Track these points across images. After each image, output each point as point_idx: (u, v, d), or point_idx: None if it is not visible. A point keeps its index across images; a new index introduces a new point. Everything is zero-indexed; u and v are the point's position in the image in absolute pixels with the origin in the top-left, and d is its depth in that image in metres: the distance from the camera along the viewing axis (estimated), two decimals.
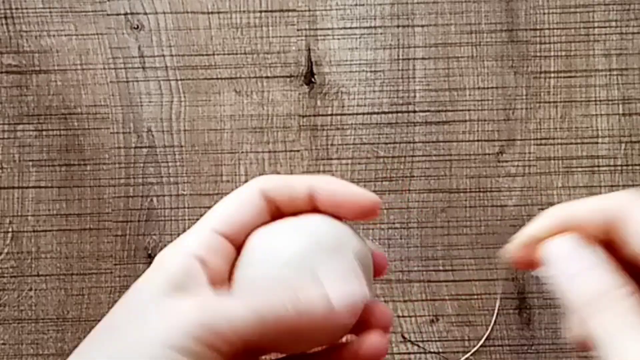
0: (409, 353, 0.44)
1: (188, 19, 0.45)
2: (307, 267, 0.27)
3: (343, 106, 0.45)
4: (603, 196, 0.26)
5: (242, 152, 0.45)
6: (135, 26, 0.45)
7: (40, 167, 0.45)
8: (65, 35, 0.45)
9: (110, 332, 0.28)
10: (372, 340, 0.28)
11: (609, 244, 0.26)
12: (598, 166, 0.45)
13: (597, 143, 0.45)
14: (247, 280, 0.28)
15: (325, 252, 0.28)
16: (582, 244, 0.26)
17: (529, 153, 0.45)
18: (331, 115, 0.45)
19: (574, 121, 0.45)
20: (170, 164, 0.45)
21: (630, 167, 0.45)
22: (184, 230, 0.47)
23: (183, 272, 0.27)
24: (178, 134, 0.45)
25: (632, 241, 0.24)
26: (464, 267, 0.45)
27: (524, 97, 0.45)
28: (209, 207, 0.47)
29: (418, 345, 0.44)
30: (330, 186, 0.29)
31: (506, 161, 0.45)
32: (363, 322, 0.28)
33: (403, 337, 0.44)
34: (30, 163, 0.45)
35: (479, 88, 0.45)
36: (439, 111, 0.45)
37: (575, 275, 0.25)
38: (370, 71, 0.45)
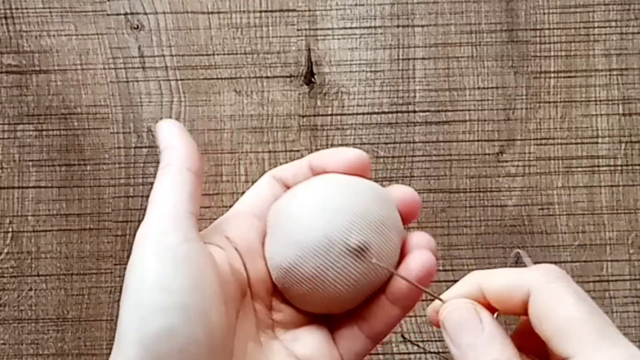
0: (409, 353, 0.44)
1: (188, 19, 0.45)
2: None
3: (343, 106, 0.45)
4: (516, 272, 0.25)
5: (242, 152, 0.45)
6: (135, 26, 0.45)
7: (40, 167, 0.45)
8: (65, 35, 0.45)
9: None
10: (417, 256, 0.29)
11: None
12: (598, 166, 0.45)
13: (597, 143, 0.45)
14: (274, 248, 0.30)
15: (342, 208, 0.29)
16: (475, 311, 0.25)
17: (529, 153, 0.45)
18: (331, 115, 0.45)
19: (574, 121, 0.45)
20: None
21: (630, 167, 0.45)
22: None
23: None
24: None
25: (535, 323, 0.24)
26: (464, 267, 0.45)
27: (524, 97, 0.45)
28: (209, 207, 0.47)
29: (418, 345, 0.44)
30: (321, 153, 0.31)
31: (506, 161, 0.45)
32: (405, 253, 0.29)
33: (403, 337, 0.44)
34: (30, 163, 0.45)
35: (479, 88, 0.45)
36: (439, 111, 0.45)
37: (467, 346, 0.25)
38: (370, 71, 0.45)
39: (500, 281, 0.26)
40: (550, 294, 0.24)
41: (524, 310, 0.25)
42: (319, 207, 0.29)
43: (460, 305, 0.26)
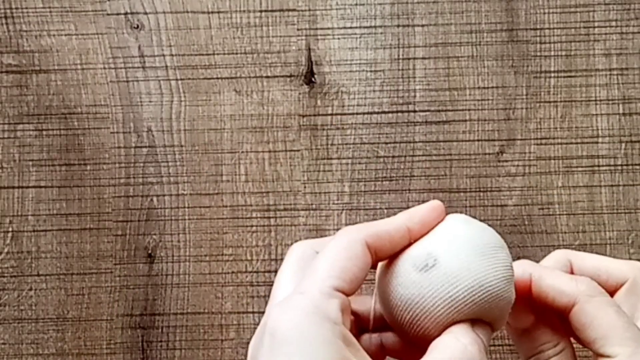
0: None
1: (188, 19, 0.45)
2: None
3: (343, 106, 0.45)
4: (565, 280, 0.32)
5: (242, 152, 0.45)
6: (136, 26, 0.45)
7: (40, 166, 0.45)
8: (65, 35, 0.45)
9: None
10: None
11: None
12: (598, 166, 0.45)
13: (597, 143, 0.45)
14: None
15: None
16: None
17: (529, 153, 0.45)
18: (331, 115, 0.45)
19: (574, 121, 0.45)
20: (170, 163, 0.45)
21: (630, 167, 0.45)
22: (184, 230, 0.47)
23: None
24: (178, 134, 0.45)
25: (579, 328, 0.31)
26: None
27: (524, 96, 0.45)
28: (209, 207, 0.47)
29: None
30: (419, 216, 0.31)
31: (506, 161, 0.45)
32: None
33: None
34: (30, 163, 0.45)
35: (479, 88, 0.45)
36: (439, 111, 0.45)
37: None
38: (371, 71, 0.45)
39: (551, 282, 0.31)
40: (595, 305, 0.30)
41: (564, 313, 0.31)
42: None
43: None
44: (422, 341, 0.29)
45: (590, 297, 0.30)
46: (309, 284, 0.28)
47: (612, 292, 0.32)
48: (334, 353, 0.26)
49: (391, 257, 0.31)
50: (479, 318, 0.29)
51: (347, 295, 0.28)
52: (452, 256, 0.28)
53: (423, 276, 0.29)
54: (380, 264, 0.31)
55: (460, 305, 0.28)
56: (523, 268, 0.32)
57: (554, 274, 0.32)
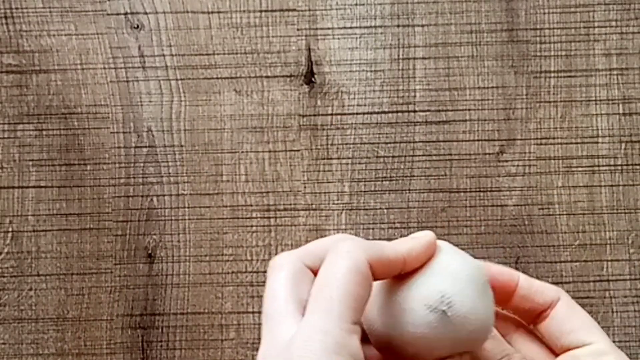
0: None
1: (188, 19, 0.45)
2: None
3: (343, 106, 0.45)
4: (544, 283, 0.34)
5: (242, 152, 0.45)
6: (135, 26, 0.45)
7: (40, 166, 0.45)
8: (65, 34, 0.45)
9: None
10: None
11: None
12: (598, 166, 0.45)
13: (597, 143, 0.45)
14: None
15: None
16: None
17: (529, 153, 0.45)
18: (331, 115, 0.45)
19: (574, 121, 0.45)
20: (170, 163, 0.45)
21: (630, 167, 0.45)
22: (184, 230, 0.47)
23: None
24: (178, 134, 0.45)
25: (558, 323, 0.33)
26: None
27: (524, 96, 0.45)
28: (209, 207, 0.47)
29: None
30: (417, 250, 0.32)
31: (506, 161, 0.45)
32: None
33: None
34: (30, 163, 0.45)
35: (479, 88, 0.45)
36: (439, 111, 0.45)
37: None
38: (371, 71, 0.45)
39: (535, 282, 0.34)
40: (572, 302, 0.34)
41: (537, 312, 0.33)
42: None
43: None
44: None
45: (569, 298, 0.34)
46: (329, 320, 0.28)
47: (542, 311, 0.34)
48: None
49: (386, 285, 0.32)
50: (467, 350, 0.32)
51: (359, 320, 0.29)
52: (463, 298, 0.30)
53: (436, 317, 0.30)
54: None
55: (464, 343, 0.31)
56: (510, 273, 0.34)
57: (535, 280, 0.34)
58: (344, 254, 0.29)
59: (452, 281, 0.31)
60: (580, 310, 0.33)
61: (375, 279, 0.30)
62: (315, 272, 0.30)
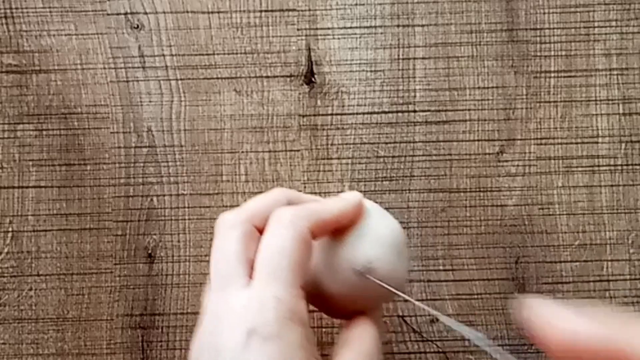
0: (409, 353, 0.44)
1: (188, 19, 0.45)
2: None
3: (343, 106, 0.45)
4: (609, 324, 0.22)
5: (242, 152, 0.45)
6: (136, 26, 0.45)
7: (40, 166, 0.45)
8: (65, 34, 0.45)
9: None
10: None
11: None
12: (598, 166, 0.45)
13: (597, 143, 0.45)
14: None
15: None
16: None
17: (529, 153, 0.45)
18: (331, 114, 0.45)
19: (574, 121, 0.45)
20: (170, 163, 0.45)
21: (630, 167, 0.45)
22: (184, 230, 0.47)
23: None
24: (178, 134, 0.45)
25: None
26: (464, 267, 0.45)
27: (524, 96, 0.45)
28: (209, 207, 0.47)
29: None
30: (350, 214, 0.35)
31: (506, 161, 0.45)
32: None
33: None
34: (30, 163, 0.45)
35: (479, 88, 0.45)
36: (439, 111, 0.45)
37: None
38: (371, 71, 0.45)
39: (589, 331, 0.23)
40: None
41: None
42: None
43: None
44: (336, 313, 0.37)
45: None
46: (281, 288, 0.30)
47: None
48: (306, 354, 0.29)
49: (318, 244, 0.35)
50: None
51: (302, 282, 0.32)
52: (384, 263, 0.34)
53: (359, 279, 0.34)
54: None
55: (381, 299, 0.36)
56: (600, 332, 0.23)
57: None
58: (287, 224, 0.32)
59: (376, 246, 0.35)
60: None
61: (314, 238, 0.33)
62: (260, 231, 0.33)
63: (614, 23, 0.45)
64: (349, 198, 0.35)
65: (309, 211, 0.33)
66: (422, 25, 0.45)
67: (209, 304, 0.32)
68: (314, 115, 0.45)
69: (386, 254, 0.35)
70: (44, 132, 0.45)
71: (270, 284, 0.30)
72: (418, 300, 0.44)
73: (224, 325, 0.30)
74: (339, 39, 0.45)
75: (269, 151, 0.45)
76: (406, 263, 0.37)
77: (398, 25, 0.45)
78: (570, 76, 0.45)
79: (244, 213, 0.33)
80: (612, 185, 0.45)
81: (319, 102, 0.45)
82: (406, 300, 0.38)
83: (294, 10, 0.45)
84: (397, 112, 0.45)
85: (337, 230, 0.35)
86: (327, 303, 0.36)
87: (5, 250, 0.45)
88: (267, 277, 0.31)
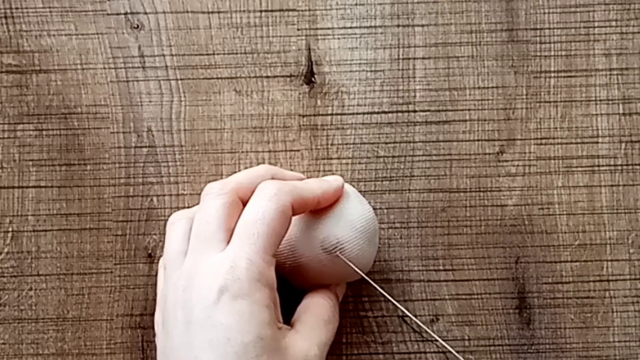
0: (409, 353, 0.44)
1: (188, 19, 0.45)
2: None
3: (343, 106, 0.45)
4: None
5: (242, 152, 0.45)
6: (136, 26, 0.45)
7: (40, 166, 0.45)
8: (65, 34, 0.45)
9: None
10: None
11: None
12: (598, 166, 0.45)
13: (597, 143, 0.45)
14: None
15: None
16: None
17: (529, 153, 0.45)
18: (331, 114, 0.45)
19: (574, 121, 0.45)
20: (170, 163, 0.45)
21: (630, 167, 0.45)
22: None
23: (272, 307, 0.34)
24: (178, 134, 0.45)
25: None
26: (464, 267, 0.45)
27: (524, 96, 0.45)
28: None
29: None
30: (330, 195, 0.39)
31: (506, 161, 0.45)
32: None
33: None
34: (30, 163, 0.45)
35: (479, 88, 0.45)
36: (439, 111, 0.45)
37: None
38: (371, 71, 0.45)
39: None
40: None
41: None
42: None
43: None
44: (302, 284, 0.40)
45: None
46: (253, 252, 0.33)
47: None
48: (270, 315, 0.32)
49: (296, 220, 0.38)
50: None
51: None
52: (353, 246, 0.37)
53: (328, 258, 0.37)
54: None
55: (347, 277, 0.39)
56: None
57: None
58: (271, 196, 0.34)
59: (348, 230, 0.37)
60: None
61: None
62: (244, 203, 0.35)
63: (614, 23, 0.45)
64: (332, 181, 0.38)
65: (293, 188, 0.35)
66: (422, 25, 0.45)
67: (185, 261, 0.34)
68: (314, 115, 0.45)
69: (356, 238, 0.37)
70: (44, 132, 0.45)
71: (244, 247, 0.33)
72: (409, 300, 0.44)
73: (197, 283, 0.33)
74: (339, 39, 0.45)
75: (269, 151, 0.45)
76: (374, 249, 0.39)
77: (398, 25, 0.45)
78: (570, 76, 0.45)
79: (230, 184, 0.35)
80: (612, 185, 0.45)
81: (319, 102, 0.45)
82: (367, 283, 0.40)
83: (294, 10, 0.45)
84: (397, 112, 0.45)
85: (314, 211, 0.38)
86: (296, 274, 0.39)
87: (5, 250, 0.45)
88: (243, 241, 0.33)
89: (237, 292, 0.32)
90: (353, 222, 0.38)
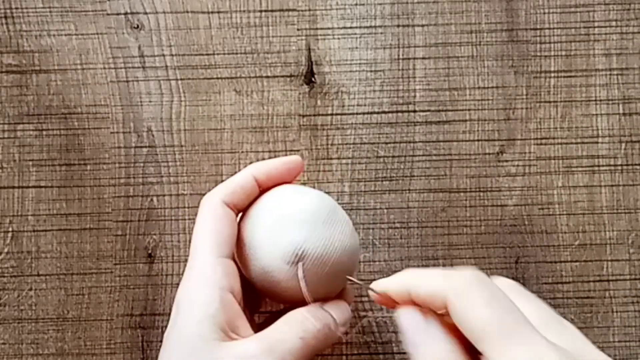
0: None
1: (188, 19, 0.45)
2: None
3: (343, 106, 0.45)
4: (438, 279, 0.29)
5: (242, 152, 0.45)
6: (136, 26, 0.45)
7: (40, 166, 0.45)
8: (66, 34, 0.45)
9: None
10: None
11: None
12: (598, 166, 0.45)
13: (597, 143, 0.45)
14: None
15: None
16: (422, 318, 0.30)
17: (529, 153, 0.45)
18: (331, 114, 0.45)
19: (574, 121, 0.45)
20: (170, 163, 0.45)
21: (630, 167, 0.45)
22: (184, 230, 0.47)
23: (222, 310, 0.33)
24: (178, 134, 0.45)
25: (458, 323, 0.28)
26: (464, 267, 0.45)
27: (524, 96, 0.45)
28: None
29: None
30: (265, 168, 0.37)
31: (506, 161, 0.45)
32: None
33: None
34: (30, 163, 0.45)
35: (479, 88, 0.45)
36: (439, 111, 0.45)
37: (419, 346, 0.29)
38: (371, 71, 0.45)
39: (424, 289, 0.30)
40: (465, 298, 0.27)
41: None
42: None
43: (410, 310, 0.31)
44: (278, 302, 0.38)
45: (460, 290, 0.28)
46: (195, 256, 0.34)
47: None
48: (204, 312, 0.32)
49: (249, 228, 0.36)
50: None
51: (230, 254, 0.34)
52: (314, 241, 0.33)
53: (292, 268, 0.33)
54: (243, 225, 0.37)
55: (335, 275, 0.35)
56: (401, 283, 0.31)
57: (429, 276, 0.30)
58: (201, 208, 0.36)
59: (299, 228, 0.34)
60: (471, 314, 0.27)
61: (241, 208, 0.36)
62: (239, 210, 0.37)
63: (614, 23, 0.45)
64: (271, 160, 0.38)
65: (220, 186, 0.36)
66: (422, 25, 0.45)
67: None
68: (314, 115, 0.45)
69: (313, 231, 0.33)
70: (44, 132, 0.45)
71: (191, 256, 0.35)
72: None
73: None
74: (339, 39, 0.45)
75: (269, 151, 0.45)
76: (343, 230, 0.35)
77: (398, 25, 0.45)
78: (570, 76, 0.45)
79: (216, 196, 0.36)
80: (612, 185, 0.45)
81: (319, 102, 0.45)
82: (352, 283, 0.36)
83: (294, 10, 0.45)
84: (397, 112, 0.45)
85: (257, 218, 0.36)
86: (275, 295, 0.36)
87: (5, 250, 0.45)
88: (190, 252, 0.35)
89: (180, 298, 0.33)
90: (302, 218, 0.34)
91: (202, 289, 0.33)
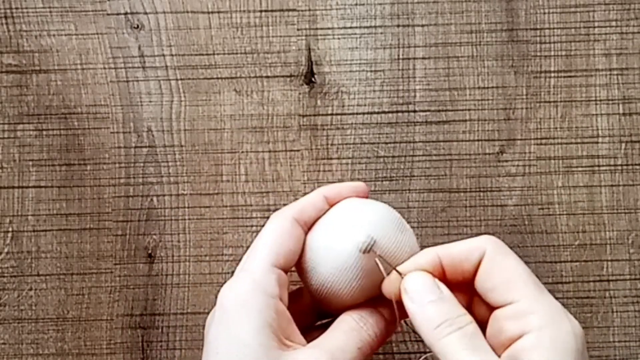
0: (409, 353, 0.44)
1: (188, 19, 0.45)
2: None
3: (343, 106, 0.45)
4: (470, 240, 0.33)
5: (242, 152, 0.45)
6: (136, 26, 0.45)
7: (40, 166, 0.45)
8: (65, 34, 0.45)
9: None
10: None
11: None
12: (598, 166, 0.45)
13: (597, 143, 0.45)
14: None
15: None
16: (431, 280, 0.32)
17: (529, 153, 0.45)
18: (331, 115, 0.45)
19: (574, 121, 0.45)
20: (170, 163, 0.45)
21: (630, 167, 0.45)
22: (184, 230, 0.47)
23: (278, 318, 0.32)
24: (178, 134, 0.45)
25: (483, 279, 0.32)
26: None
27: (524, 96, 0.45)
28: (209, 207, 0.47)
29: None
30: (335, 188, 0.37)
31: (506, 161, 0.45)
32: None
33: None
34: (30, 163, 0.45)
35: (479, 88, 0.45)
36: (439, 111, 0.45)
37: (425, 305, 0.31)
38: (371, 71, 0.45)
39: (457, 248, 0.33)
40: (500, 253, 0.32)
41: (472, 274, 0.32)
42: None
43: (419, 273, 0.33)
44: (336, 309, 0.35)
45: (496, 247, 0.32)
46: (250, 262, 0.34)
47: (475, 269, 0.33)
48: (263, 320, 0.31)
49: (320, 231, 0.36)
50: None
51: (286, 268, 0.34)
52: (386, 248, 0.34)
53: (364, 256, 0.34)
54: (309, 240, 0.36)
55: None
56: (429, 253, 0.34)
57: (460, 242, 0.34)
58: (272, 217, 0.36)
59: (373, 225, 0.34)
60: (506, 263, 0.32)
61: (310, 224, 0.36)
62: (308, 227, 0.36)
63: (614, 23, 0.45)
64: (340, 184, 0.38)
65: (291, 204, 0.36)
66: (422, 25, 0.45)
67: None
68: (314, 115, 0.45)
69: (385, 229, 0.35)
70: (44, 132, 0.45)
71: (247, 262, 0.34)
72: None
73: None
74: (339, 39, 0.45)
75: (269, 151, 0.45)
76: (416, 247, 0.36)
77: (398, 25, 0.45)
78: (570, 76, 0.45)
79: (286, 211, 0.36)
80: (612, 185, 0.45)
81: (319, 102, 0.45)
82: None
83: (294, 10, 0.45)
84: (397, 112, 0.45)
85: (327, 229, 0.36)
86: (338, 297, 0.35)
87: (5, 250, 0.45)
88: (247, 257, 0.35)
89: (229, 303, 0.33)
90: (376, 219, 0.35)
91: (257, 295, 0.32)
